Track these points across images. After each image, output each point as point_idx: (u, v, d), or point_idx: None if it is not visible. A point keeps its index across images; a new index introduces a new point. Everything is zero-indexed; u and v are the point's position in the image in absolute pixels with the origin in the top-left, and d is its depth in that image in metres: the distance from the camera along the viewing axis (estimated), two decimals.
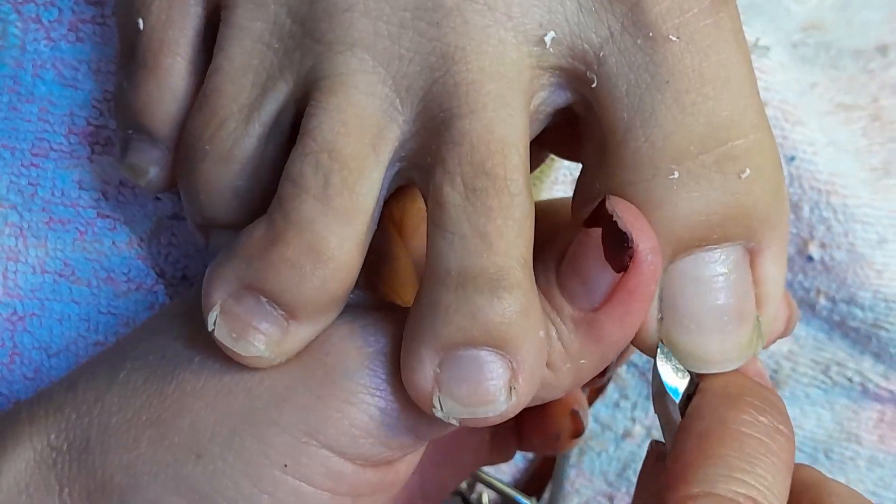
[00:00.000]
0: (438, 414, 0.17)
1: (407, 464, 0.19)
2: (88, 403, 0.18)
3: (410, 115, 0.17)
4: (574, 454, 0.29)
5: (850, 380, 0.27)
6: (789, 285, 0.27)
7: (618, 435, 0.28)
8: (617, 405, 0.28)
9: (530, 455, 0.29)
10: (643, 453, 0.29)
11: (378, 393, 0.18)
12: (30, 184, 0.23)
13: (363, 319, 0.18)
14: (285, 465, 0.17)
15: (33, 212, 0.23)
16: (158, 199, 0.23)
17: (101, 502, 0.18)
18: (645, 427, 0.28)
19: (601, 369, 0.18)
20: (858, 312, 0.26)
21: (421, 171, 0.18)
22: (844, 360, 0.27)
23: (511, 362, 0.17)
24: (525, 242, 0.17)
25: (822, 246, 0.26)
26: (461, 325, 0.17)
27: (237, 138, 0.18)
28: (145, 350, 0.19)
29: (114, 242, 0.23)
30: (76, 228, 0.23)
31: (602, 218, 0.17)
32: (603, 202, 0.17)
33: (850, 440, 0.28)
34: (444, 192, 0.17)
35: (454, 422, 0.17)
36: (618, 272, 0.17)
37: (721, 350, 0.17)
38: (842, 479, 0.29)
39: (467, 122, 0.17)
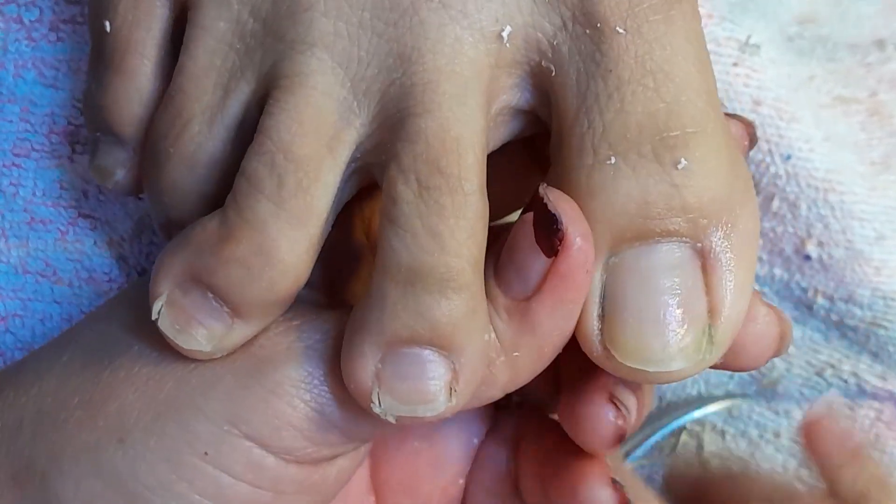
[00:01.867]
0: (376, 410, 0.17)
1: (339, 469, 0.19)
2: (26, 385, 0.18)
3: (367, 117, 0.17)
4: None
5: (844, 381, 0.27)
6: (786, 286, 0.27)
7: None
8: None
9: None
10: (639, 452, 0.29)
11: (304, 386, 0.17)
12: (11, 184, 0.23)
13: (303, 316, 0.18)
14: (206, 454, 0.17)
15: (14, 212, 0.23)
16: (140, 198, 0.23)
17: (25, 483, 0.18)
18: None
19: (539, 368, 0.18)
20: (857, 311, 0.26)
21: (379, 168, 0.17)
22: (840, 363, 0.27)
23: (454, 364, 0.17)
24: (476, 243, 0.17)
25: (820, 244, 0.26)
26: (407, 323, 0.17)
27: (201, 141, 0.18)
28: (87, 336, 0.19)
29: (95, 242, 0.23)
30: (57, 228, 0.23)
31: (535, 203, 0.17)
32: (538, 189, 0.17)
33: None
34: (398, 189, 0.17)
35: (391, 419, 0.17)
36: (549, 257, 0.17)
37: (663, 348, 0.17)
38: None
39: (423, 121, 0.17)
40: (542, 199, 0.17)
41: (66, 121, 0.22)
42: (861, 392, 0.27)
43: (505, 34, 0.17)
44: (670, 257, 0.17)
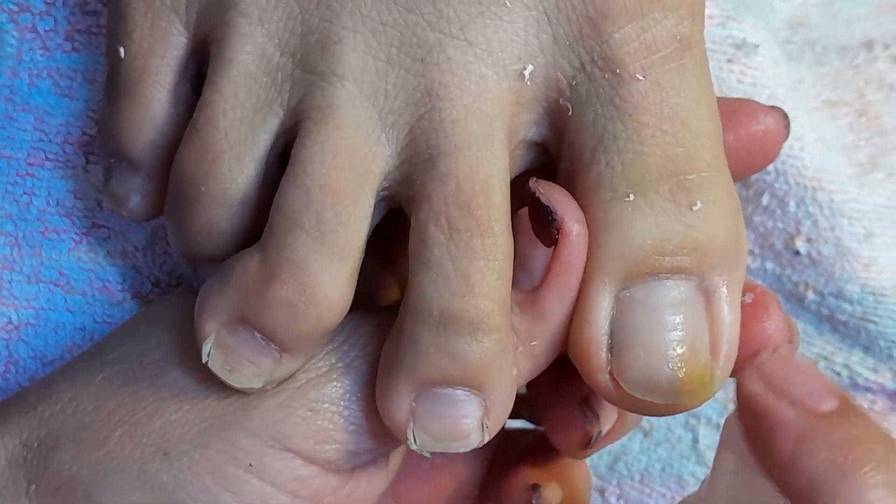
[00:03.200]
0: (412, 446, 0.18)
1: (370, 478, 0.20)
2: (63, 402, 0.19)
3: (395, 149, 0.18)
4: None
5: (837, 374, 0.28)
6: (777, 279, 0.27)
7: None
8: None
9: None
10: (633, 446, 0.29)
11: (344, 403, 0.18)
12: (25, 193, 0.23)
13: (341, 335, 0.19)
14: (250, 465, 0.18)
15: (28, 221, 0.23)
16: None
17: (66, 498, 0.18)
18: None
19: (554, 354, 0.19)
20: (847, 306, 0.26)
21: (406, 200, 0.18)
22: (832, 355, 0.28)
23: (485, 401, 0.18)
24: (505, 284, 0.18)
25: (809, 241, 0.26)
26: (440, 365, 0.17)
27: (233, 177, 0.18)
28: (124, 354, 0.19)
29: (108, 252, 0.23)
30: (71, 238, 0.23)
31: (528, 198, 0.18)
32: (529, 184, 0.18)
33: None
34: (429, 231, 0.17)
35: (426, 454, 0.18)
36: (548, 247, 0.18)
37: (670, 381, 0.17)
38: None
39: (452, 161, 0.17)
40: (535, 192, 0.18)
41: (81, 131, 0.22)
42: (854, 385, 0.27)
43: (527, 73, 0.18)
44: (679, 293, 0.18)
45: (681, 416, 0.29)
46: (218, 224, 0.18)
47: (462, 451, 0.18)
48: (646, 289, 0.17)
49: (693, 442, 0.29)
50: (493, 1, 0.17)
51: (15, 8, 0.21)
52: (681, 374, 0.17)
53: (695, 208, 0.17)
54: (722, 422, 0.30)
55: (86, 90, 0.22)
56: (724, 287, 0.18)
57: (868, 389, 0.28)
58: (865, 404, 0.28)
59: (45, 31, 0.22)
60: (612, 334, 0.18)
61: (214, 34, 0.18)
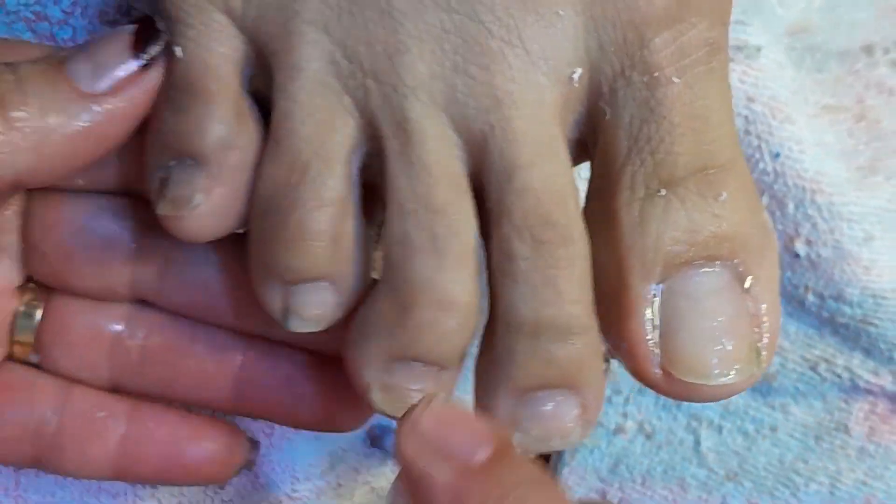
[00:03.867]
0: (517, 448, 0.18)
1: None
2: None
3: (469, 154, 0.18)
4: (567, 453, 0.29)
5: (838, 376, 0.28)
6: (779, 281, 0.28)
7: (609, 430, 0.29)
8: (609, 400, 0.28)
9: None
10: (635, 449, 0.29)
11: None
12: None
13: None
14: None
15: None
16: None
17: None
18: (637, 422, 0.29)
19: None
20: (847, 309, 0.27)
21: (481, 202, 0.19)
22: (833, 357, 0.28)
23: (582, 399, 0.19)
24: (588, 285, 0.18)
25: (808, 243, 0.26)
26: (537, 372, 0.18)
27: (323, 179, 0.18)
28: None
29: None
30: None
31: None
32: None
33: (840, 429, 0.28)
34: (514, 246, 0.18)
35: (530, 455, 0.19)
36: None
37: (720, 362, 0.18)
38: (832, 468, 0.29)
39: (528, 175, 0.18)
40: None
41: None
42: (855, 387, 0.28)
43: (576, 76, 0.18)
44: (717, 280, 0.18)
45: (682, 419, 0.29)
46: (317, 228, 0.18)
47: (563, 448, 0.19)
48: (684, 279, 0.18)
49: (695, 444, 0.29)
50: (547, 9, 0.18)
51: (33, 17, 0.22)
52: (730, 355, 0.18)
53: (720, 199, 0.18)
54: (725, 424, 0.30)
55: None
56: (758, 270, 0.18)
57: (869, 392, 0.28)
58: (867, 406, 0.28)
59: (64, 40, 0.22)
60: (656, 327, 0.18)
61: (277, 43, 0.18)
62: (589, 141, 0.19)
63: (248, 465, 0.24)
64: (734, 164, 0.19)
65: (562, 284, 0.18)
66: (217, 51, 0.19)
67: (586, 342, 0.18)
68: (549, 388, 0.18)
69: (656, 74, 0.18)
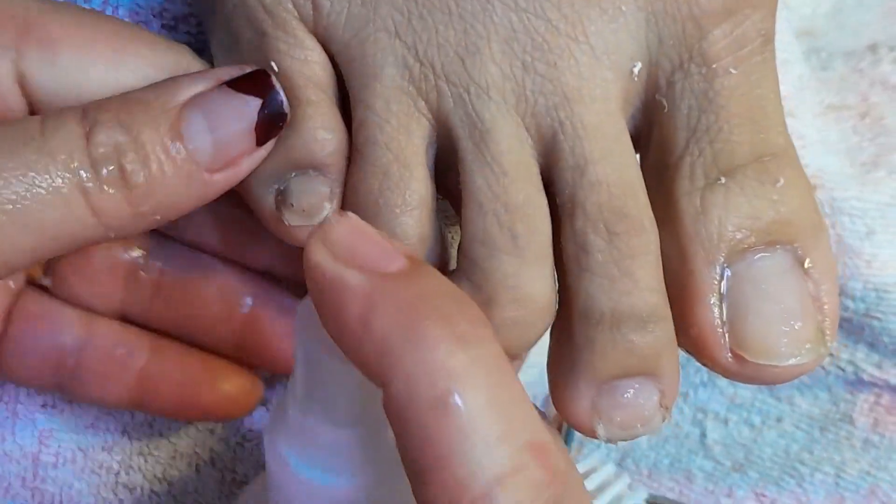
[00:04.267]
0: (601, 438, 0.19)
1: None
2: None
3: (541, 151, 0.19)
4: (574, 447, 0.29)
5: (843, 369, 0.28)
6: None
7: None
8: None
9: None
10: (641, 442, 0.30)
11: None
12: None
13: None
14: None
15: None
16: None
17: None
18: None
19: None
20: (850, 303, 0.27)
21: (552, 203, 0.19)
22: (837, 351, 0.28)
23: (661, 385, 0.19)
24: (660, 272, 0.19)
25: None
26: (618, 361, 0.18)
27: (406, 183, 0.19)
28: None
29: None
30: None
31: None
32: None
33: (845, 420, 0.28)
34: (589, 239, 0.18)
35: (613, 443, 0.19)
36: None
37: (790, 342, 0.18)
38: (836, 458, 0.29)
39: (600, 169, 0.18)
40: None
41: None
42: (859, 381, 0.28)
43: (636, 70, 0.19)
44: (780, 264, 0.19)
45: (688, 412, 0.29)
46: (405, 231, 0.19)
47: (645, 434, 0.19)
48: (748, 264, 0.18)
49: (701, 437, 0.29)
50: (610, 4, 0.18)
51: None
52: (798, 334, 0.18)
53: (778, 185, 0.18)
54: (731, 416, 0.30)
55: None
56: (815, 252, 0.19)
57: (873, 385, 0.28)
58: (871, 398, 0.28)
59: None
60: (724, 312, 0.18)
61: (350, 51, 0.19)
62: (642, 133, 0.20)
63: (264, 402, 0.24)
64: (787, 151, 0.19)
65: (638, 273, 0.18)
66: (310, 60, 0.19)
67: (664, 329, 0.19)
68: (629, 376, 0.19)
69: (714, 66, 0.18)
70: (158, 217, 0.18)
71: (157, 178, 0.17)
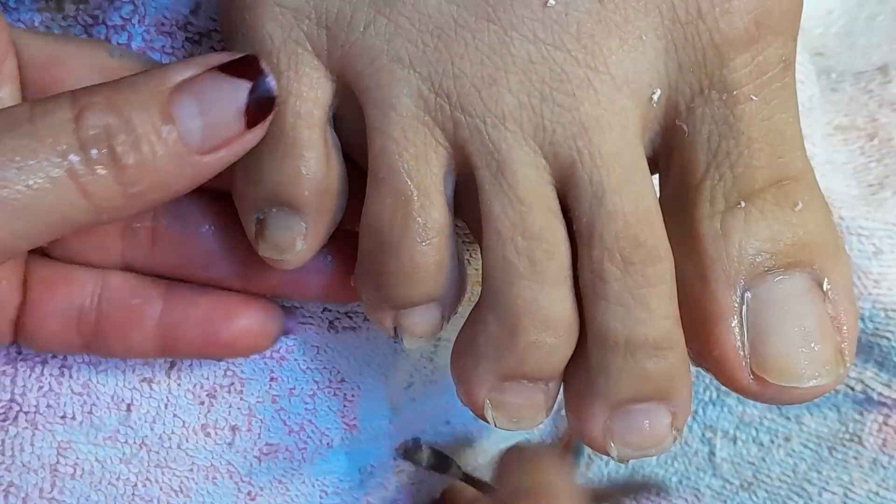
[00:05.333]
0: (613, 457, 0.20)
1: None
2: None
3: (559, 177, 0.19)
4: (583, 464, 0.30)
5: (852, 388, 0.28)
6: None
7: None
8: None
9: None
10: (651, 460, 0.30)
11: None
12: None
13: None
14: None
15: None
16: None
17: None
18: None
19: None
20: (858, 323, 0.27)
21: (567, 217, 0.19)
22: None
23: (673, 409, 0.19)
24: (675, 299, 0.19)
25: None
26: (631, 386, 0.19)
27: (427, 212, 0.19)
28: None
29: None
30: None
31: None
32: None
33: (854, 441, 0.28)
34: (605, 268, 0.19)
35: (624, 462, 0.20)
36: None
37: (810, 364, 0.19)
38: (845, 478, 0.29)
39: (618, 199, 0.18)
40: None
41: None
42: (868, 400, 0.28)
43: (655, 97, 0.19)
44: (799, 286, 0.19)
45: (697, 430, 0.29)
46: (426, 259, 0.19)
47: (657, 455, 0.19)
48: (768, 287, 0.19)
49: (709, 455, 0.29)
50: (630, 34, 0.18)
51: (90, 21, 0.22)
52: (817, 356, 0.19)
53: (797, 209, 0.19)
54: (740, 435, 0.30)
55: None
56: (834, 274, 0.19)
57: (882, 405, 0.28)
58: (880, 418, 0.28)
59: (119, 44, 0.22)
60: (744, 335, 0.19)
61: (365, 81, 0.19)
62: (661, 157, 0.20)
63: (286, 332, 0.24)
64: (805, 174, 0.19)
65: (653, 303, 0.18)
66: (308, 96, 0.19)
67: (677, 355, 0.19)
68: (642, 400, 0.19)
69: (735, 93, 0.19)
70: (150, 199, 0.18)
71: (148, 159, 0.17)
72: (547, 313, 0.19)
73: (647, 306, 0.18)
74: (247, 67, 0.19)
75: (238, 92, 0.18)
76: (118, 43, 0.23)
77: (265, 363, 0.25)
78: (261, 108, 0.18)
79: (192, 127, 0.18)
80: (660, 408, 0.19)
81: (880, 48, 0.30)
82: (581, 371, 0.20)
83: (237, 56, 0.19)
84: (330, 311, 0.25)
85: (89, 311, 0.22)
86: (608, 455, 0.20)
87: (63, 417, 0.25)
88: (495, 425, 0.20)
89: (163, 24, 0.23)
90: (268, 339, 0.23)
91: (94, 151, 0.17)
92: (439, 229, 0.19)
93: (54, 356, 0.25)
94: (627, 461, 0.20)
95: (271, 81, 0.19)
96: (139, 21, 0.22)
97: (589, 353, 0.19)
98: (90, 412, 0.25)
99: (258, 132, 0.19)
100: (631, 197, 0.18)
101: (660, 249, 0.19)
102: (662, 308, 0.19)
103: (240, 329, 0.23)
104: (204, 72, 0.18)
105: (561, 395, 0.21)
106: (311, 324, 0.25)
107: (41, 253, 0.23)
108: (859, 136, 0.29)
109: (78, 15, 0.22)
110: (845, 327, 0.19)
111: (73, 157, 0.17)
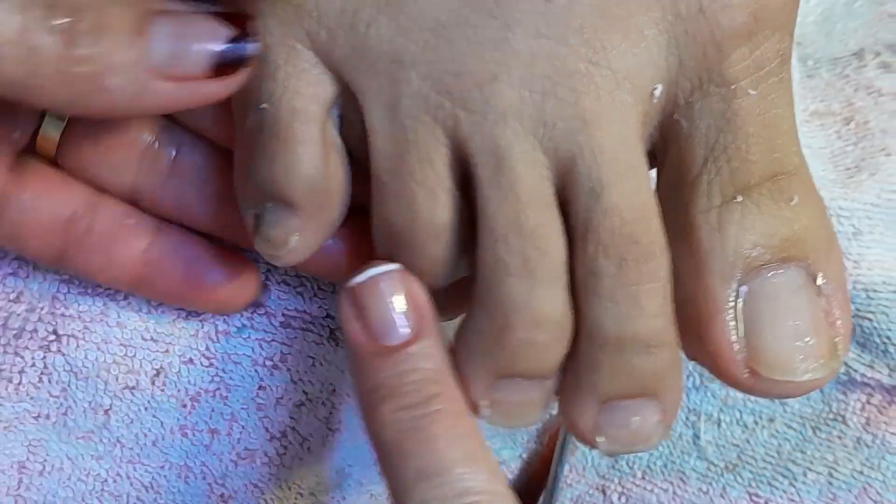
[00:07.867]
0: (601, 451, 0.20)
1: None
2: None
3: (558, 172, 0.19)
4: (567, 450, 0.29)
5: None
6: None
7: None
8: None
9: (525, 457, 0.29)
10: None
11: None
12: None
13: None
14: None
15: None
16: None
17: None
18: None
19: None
20: None
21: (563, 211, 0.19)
22: None
23: (662, 405, 0.20)
24: (668, 298, 0.19)
25: None
26: (620, 382, 0.19)
27: (433, 209, 0.19)
28: None
29: None
30: None
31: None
32: None
33: (837, 420, 0.29)
34: (600, 263, 0.19)
35: (612, 456, 0.20)
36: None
37: (804, 358, 0.19)
38: (829, 458, 0.29)
39: (615, 194, 0.18)
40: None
41: None
42: (851, 381, 0.28)
43: (657, 92, 0.19)
44: (794, 280, 0.19)
45: (681, 414, 0.29)
46: (436, 256, 0.19)
47: (645, 451, 0.20)
48: (763, 281, 0.19)
49: (694, 438, 0.29)
50: (632, 29, 0.18)
51: None
52: (812, 350, 0.19)
53: (792, 203, 0.19)
54: (724, 417, 0.30)
55: None
56: (827, 268, 0.19)
57: (865, 385, 0.28)
58: (863, 397, 0.28)
59: None
60: (739, 328, 0.19)
61: (365, 82, 0.19)
62: (658, 150, 0.20)
63: (256, 304, 0.24)
64: (800, 169, 0.19)
65: (645, 300, 0.18)
66: (305, 92, 0.19)
67: (668, 353, 0.19)
68: (632, 397, 0.19)
69: (733, 87, 0.19)
70: (82, 96, 0.17)
71: (101, 52, 0.17)
72: (538, 312, 0.19)
73: (639, 304, 0.18)
74: (235, 19, 0.18)
75: (215, 35, 0.18)
76: None
77: (256, 371, 0.25)
78: (228, 62, 0.18)
79: (157, 47, 0.17)
80: (648, 404, 0.19)
81: (857, 33, 0.30)
82: (572, 365, 0.20)
83: (234, 10, 0.18)
84: (332, 318, 0.25)
85: (82, 217, 0.22)
86: (597, 449, 0.20)
87: (37, 418, 0.24)
88: (490, 422, 0.20)
89: None
90: (240, 301, 0.23)
91: (57, 17, 0.17)
92: (447, 227, 0.19)
93: (33, 364, 0.24)
94: (615, 455, 0.20)
95: (250, 46, 0.18)
96: None
97: (580, 348, 0.19)
98: (65, 414, 0.24)
99: (217, 87, 0.18)
100: (628, 193, 0.18)
101: (655, 247, 0.19)
102: (654, 306, 0.19)
103: (222, 279, 0.23)
104: (192, 10, 0.18)
105: None
106: (311, 330, 0.25)
107: (50, 161, 0.22)
108: (836, 121, 0.29)
109: None
110: (839, 321, 0.19)
111: (36, 13, 0.16)
